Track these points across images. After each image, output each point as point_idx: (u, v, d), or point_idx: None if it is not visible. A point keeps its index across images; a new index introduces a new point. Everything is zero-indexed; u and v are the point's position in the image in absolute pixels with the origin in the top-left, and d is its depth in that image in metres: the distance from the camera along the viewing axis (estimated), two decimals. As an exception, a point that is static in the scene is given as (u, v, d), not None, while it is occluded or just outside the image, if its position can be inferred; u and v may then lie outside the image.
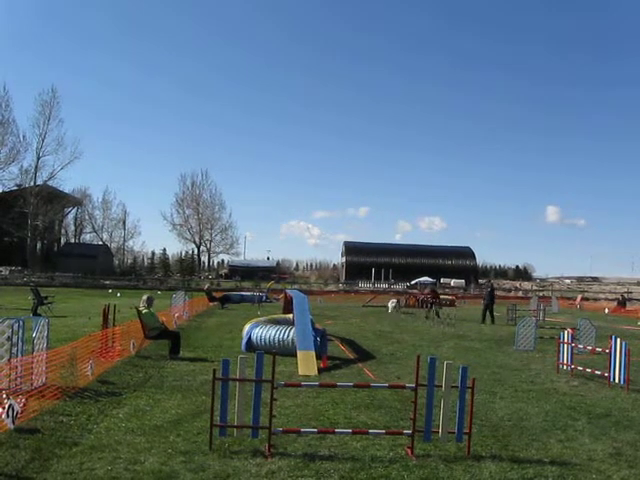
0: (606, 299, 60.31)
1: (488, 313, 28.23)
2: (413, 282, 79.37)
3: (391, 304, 35.08)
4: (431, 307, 31.42)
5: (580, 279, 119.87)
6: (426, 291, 39.34)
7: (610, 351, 12.50)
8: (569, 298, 57.14)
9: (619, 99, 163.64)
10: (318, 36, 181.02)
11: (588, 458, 7.20)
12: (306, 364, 12.83)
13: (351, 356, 15.40)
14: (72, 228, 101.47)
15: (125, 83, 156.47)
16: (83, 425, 7.80)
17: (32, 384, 8.93)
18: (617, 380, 12.18)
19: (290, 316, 17.72)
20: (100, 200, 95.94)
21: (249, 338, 15.27)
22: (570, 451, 7.48)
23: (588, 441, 7.98)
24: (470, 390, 7.28)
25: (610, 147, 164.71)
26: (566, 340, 13.97)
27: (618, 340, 12.47)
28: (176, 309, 23.89)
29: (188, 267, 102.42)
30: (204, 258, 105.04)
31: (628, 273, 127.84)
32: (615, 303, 47.88)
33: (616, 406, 10.28)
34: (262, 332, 15.14)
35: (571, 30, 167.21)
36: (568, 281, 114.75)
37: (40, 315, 21.12)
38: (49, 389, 9.00)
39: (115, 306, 14.98)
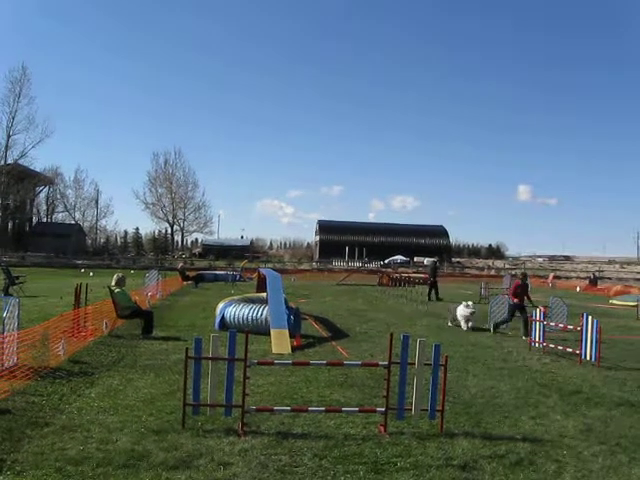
0: (578, 277, 60.88)
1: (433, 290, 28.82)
2: (387, 261, 79.72)
3: (467, 311, 17.27)
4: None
5: (552, 258, 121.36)
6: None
7: (581, 329, 12.64)
8: (541, 276, 57.57)
9: (587, 78, 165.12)
10: (287, 10, 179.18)
11: (559, 434, 7.29)
12: (279, 342, 12.82)
13: (324, 334, 15.41)
14: (44, 207, 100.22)
15: (97, 61, 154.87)
16: (55, 405, 7.73)
17: (3, 364, 8.81)
18: (588, 357, 12.34)
19: (264, 295, 17.70)
20: (72, 179, 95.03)
21: (222, 317, 15.23)
22: (541, 427, 7.57)
23: (559, 418, 8.08)
24: (443, 368, 7.32)
25: (581, 126, 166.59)
26: (538, 318, 14.11)
27: (589, 318, 12.62)
28: (149, 288, 23.80)
29: (161, 246, 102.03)
30: (177, 237, 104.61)
31: (599, 252, 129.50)
32: (587, 281, 48.44)
33: (587, 383, 10.41)
34: (235, 311, 15.09)
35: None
36: (540, 259, 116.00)
37: (11, 295, 20.84)
38: (20, 369, 8.90)
39: (87, 285, 14.81)
